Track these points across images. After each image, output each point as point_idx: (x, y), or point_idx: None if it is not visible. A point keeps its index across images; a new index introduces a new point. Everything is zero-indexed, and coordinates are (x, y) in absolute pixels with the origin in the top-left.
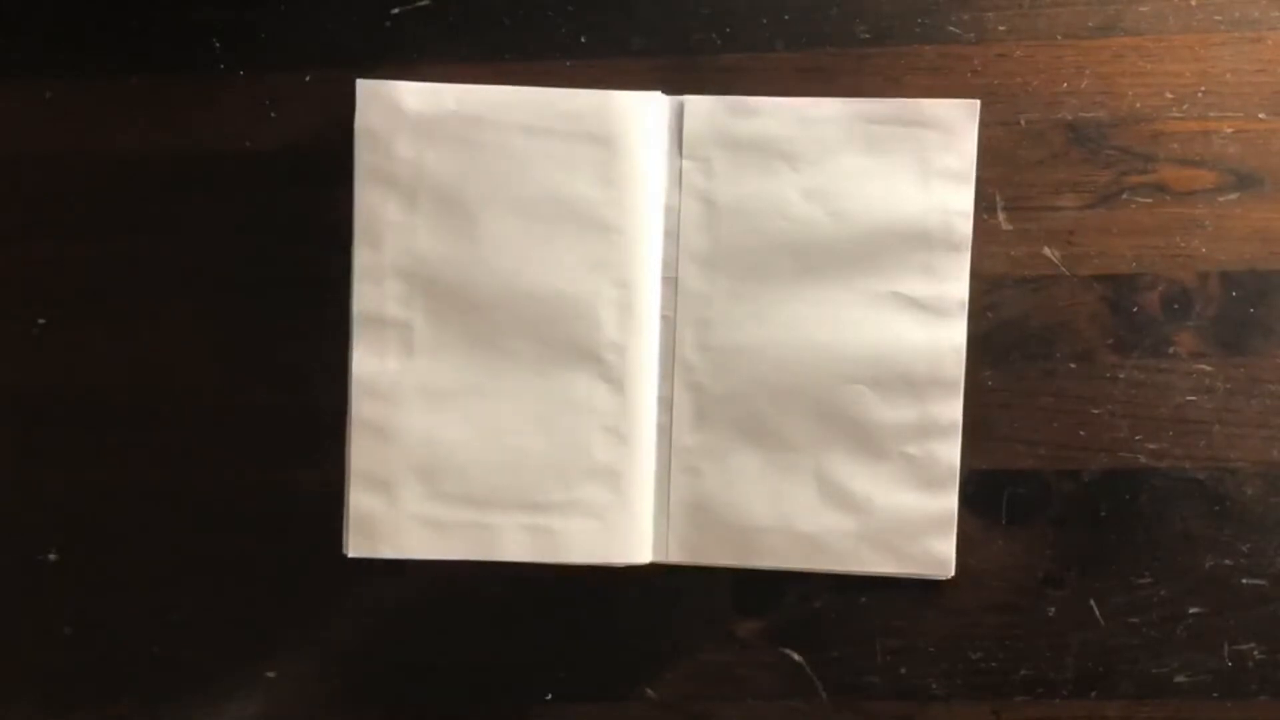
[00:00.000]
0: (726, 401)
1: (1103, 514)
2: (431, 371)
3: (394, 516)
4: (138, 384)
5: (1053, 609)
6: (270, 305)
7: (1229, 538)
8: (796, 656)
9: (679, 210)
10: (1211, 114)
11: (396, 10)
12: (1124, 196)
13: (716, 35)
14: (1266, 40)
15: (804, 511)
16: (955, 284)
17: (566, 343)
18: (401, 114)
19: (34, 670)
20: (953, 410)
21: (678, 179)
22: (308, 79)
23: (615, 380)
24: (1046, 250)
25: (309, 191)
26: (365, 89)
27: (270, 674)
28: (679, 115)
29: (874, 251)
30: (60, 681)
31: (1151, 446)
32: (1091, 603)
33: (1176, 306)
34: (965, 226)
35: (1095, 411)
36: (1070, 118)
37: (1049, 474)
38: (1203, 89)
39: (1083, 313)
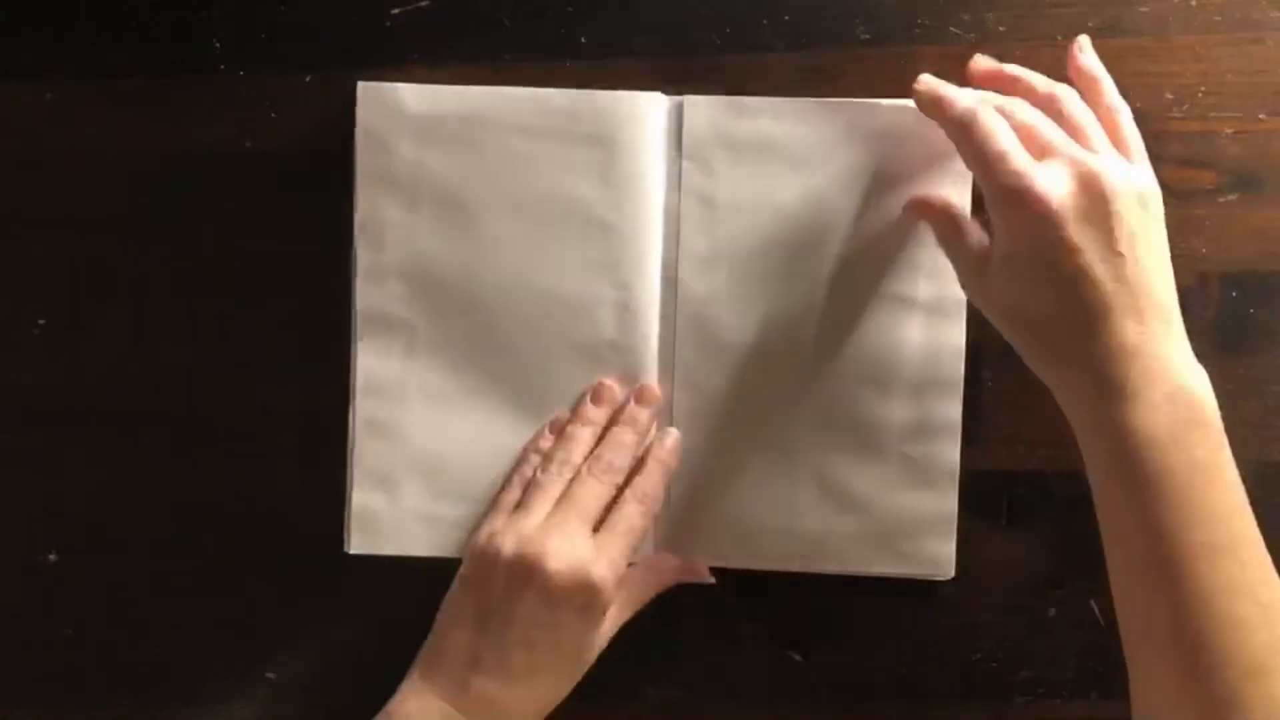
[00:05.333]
0: (726, 402)
1: None
2: (433, 370)
3: (396, 514)
4: (138, 384)
5: (1053, 609)
6: (270, 305)
7: None
8: (796, 656)
9: (679, 210)
10: (1212, 114)
11: (396, 11)
12: None
13: (716, 35)
14: (1267, 41)
15: (804, 511)
16: (955, 284)
17: (567, 342)
18: (402, 115)
19: (34, 671)
20: (953, 410)
21: (677, 179)
22: (308, 79)
23: (616, 380)
24: None
25: (309, 191)
26: (366, 90)
27: (270, 674)
28: (679, 115)
29: (874, 251)
30: (60, 682)
31: None
32: (1091, 603)
33: None
34: None
35: None
36: None
37: (1049, 474)
38: (1203, 89)
39: None
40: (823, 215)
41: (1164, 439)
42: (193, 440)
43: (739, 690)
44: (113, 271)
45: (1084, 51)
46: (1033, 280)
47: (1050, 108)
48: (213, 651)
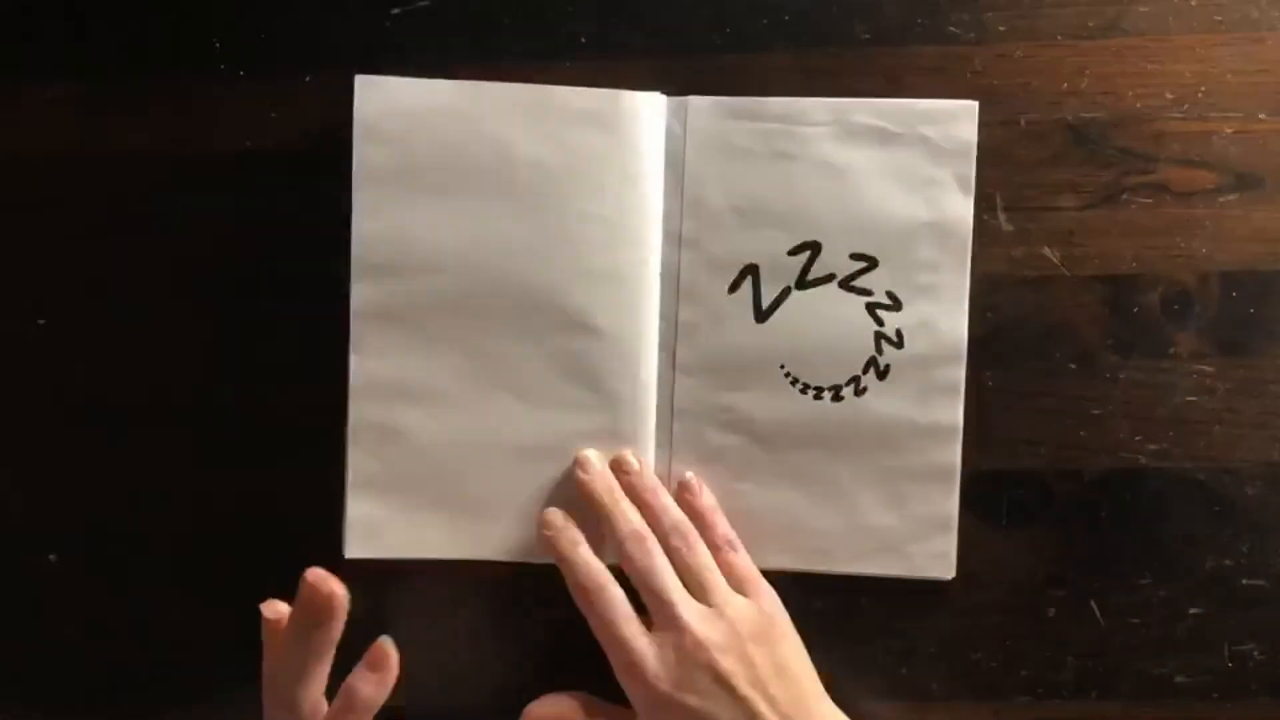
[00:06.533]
0: (726, 401)
1: (1103, 514)
2: (431, 371)
3: (393, 517)
4: (138, 384)
5: (1053, 609)
6: (270, 305)
7: (1229, 538)
8: None
9: (679, 210)
10: (1212, 114)
11: (396, 10)
12: (1124, 197)
13: (716, 35)
14: (1267, 40)
15: (804, 512)
16: (956, 279)
17: (565, 341)
18: (399, 109)
19: (34, 671)
20: (953, 411)
21: (678, 179)
22: (308, 79)
23: (615, 381)
24: (1046, 250)
25: (309, 191)
26: (364, 84)
27: None
28: (679, 115)
29: (874, 252)
30: (60, 683)
31: (1152, 447)
32: (1091, 603)
33: (1177, 307)
34: (965, 227)
35: (1095, 412)
36: (1070, 118)
37: (1049, 474)
38: (1203, 89)
39: (1083, 313)
40: (822, 216)
41: None
42: (192, 440)
43: None
44: (113, 271)
45: (696, 495)
46: None
47: (667, 544)
48: (213, 652)
